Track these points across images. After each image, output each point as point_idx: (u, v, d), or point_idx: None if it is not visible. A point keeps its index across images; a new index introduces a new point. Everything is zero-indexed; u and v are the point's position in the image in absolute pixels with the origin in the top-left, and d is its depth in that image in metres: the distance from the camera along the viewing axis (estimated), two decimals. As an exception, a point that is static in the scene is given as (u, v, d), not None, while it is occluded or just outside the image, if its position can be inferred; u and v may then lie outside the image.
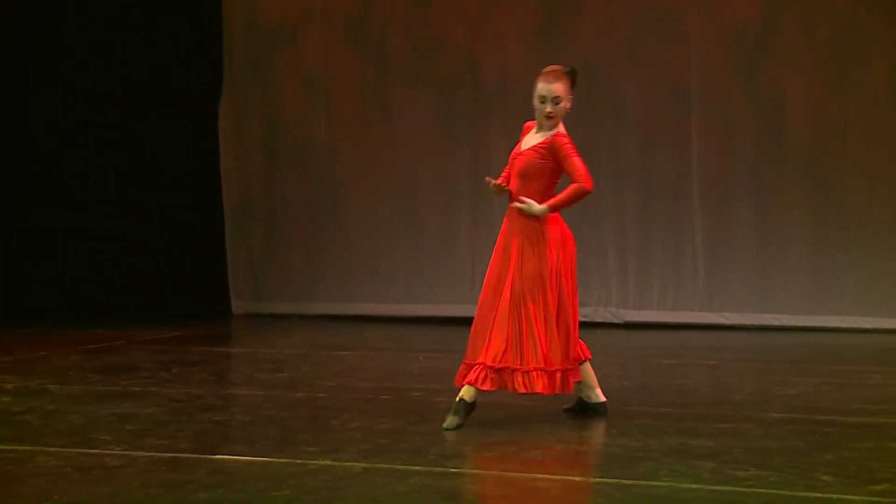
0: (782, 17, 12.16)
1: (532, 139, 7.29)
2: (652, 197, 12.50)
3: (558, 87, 7.20)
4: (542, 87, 7.22)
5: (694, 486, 5.72)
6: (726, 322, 12.29)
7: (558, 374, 7.15)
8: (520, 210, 7.18)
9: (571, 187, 7.13)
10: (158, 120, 13.67)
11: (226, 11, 13.59)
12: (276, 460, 6.33)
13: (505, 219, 7.31)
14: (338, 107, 13.33)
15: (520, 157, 7.27)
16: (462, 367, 7.26)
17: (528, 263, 7.14)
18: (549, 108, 7.19)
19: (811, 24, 12.08)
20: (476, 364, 7.13)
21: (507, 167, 7.39)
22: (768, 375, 9.42)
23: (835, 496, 5.51)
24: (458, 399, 7.14)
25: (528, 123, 7.42)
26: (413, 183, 13.13)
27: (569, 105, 7.25)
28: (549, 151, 7.16)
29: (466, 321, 12.15)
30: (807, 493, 5.55)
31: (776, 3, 12.19)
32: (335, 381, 8.97)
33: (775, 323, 12.17)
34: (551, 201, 7.15)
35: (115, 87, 13.54)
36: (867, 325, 11.91)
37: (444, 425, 7.09)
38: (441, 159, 13.01)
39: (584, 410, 7.47)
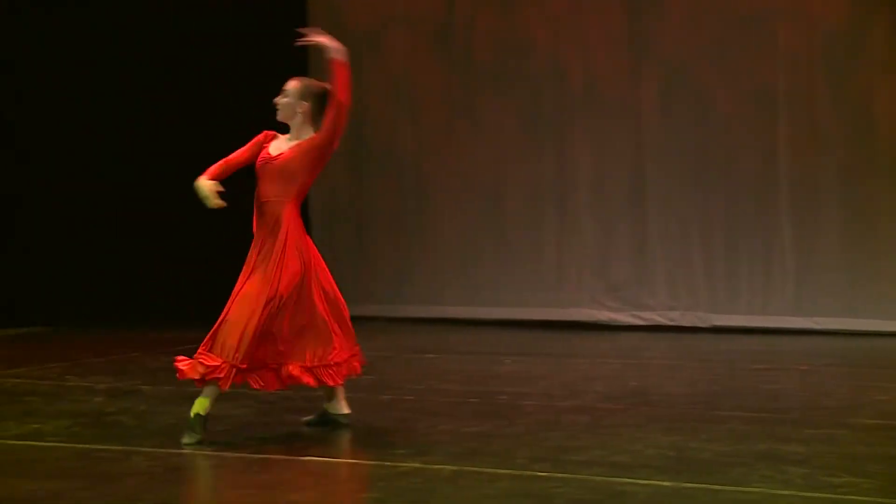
0: (870, 20, 12.01)
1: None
2: (739, 200, 12.38)
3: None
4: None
5: (786, 491, 5.66)
6: (816, 327, 12.12)
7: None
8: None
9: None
10: (229, 123, 13.75)
11: (311, 16, 13.66)
12: (366, 462, 6.34)
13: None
14: (423, 111, 13.36)
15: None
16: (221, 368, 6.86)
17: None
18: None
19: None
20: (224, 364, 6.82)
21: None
22: (860, 381, 9.31)
23: (930, 503, 5.44)
24: (192, 414, 6.81)
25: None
26: (498, 187, 13.12)
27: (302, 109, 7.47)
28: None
29: (552, 324, 12.38)
30: (902, 500, 5.48)
31: (864, 6, 12.04)
32: (424, 385, 8.98)
33: (867, 328, 11.99)
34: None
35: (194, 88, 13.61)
36: (962, 331, 11.73)
37: (184, 441, 6.77)
38: (526, 164, 12.99)
39: (325, 423, 7.27)
